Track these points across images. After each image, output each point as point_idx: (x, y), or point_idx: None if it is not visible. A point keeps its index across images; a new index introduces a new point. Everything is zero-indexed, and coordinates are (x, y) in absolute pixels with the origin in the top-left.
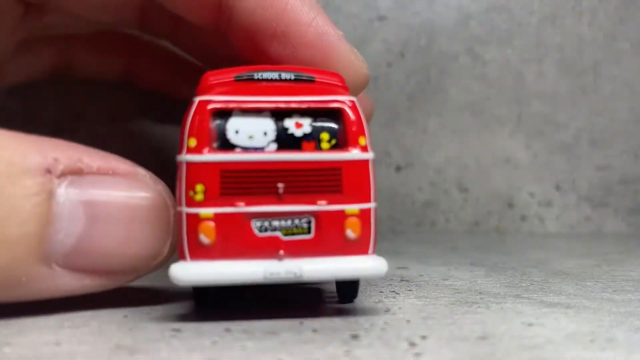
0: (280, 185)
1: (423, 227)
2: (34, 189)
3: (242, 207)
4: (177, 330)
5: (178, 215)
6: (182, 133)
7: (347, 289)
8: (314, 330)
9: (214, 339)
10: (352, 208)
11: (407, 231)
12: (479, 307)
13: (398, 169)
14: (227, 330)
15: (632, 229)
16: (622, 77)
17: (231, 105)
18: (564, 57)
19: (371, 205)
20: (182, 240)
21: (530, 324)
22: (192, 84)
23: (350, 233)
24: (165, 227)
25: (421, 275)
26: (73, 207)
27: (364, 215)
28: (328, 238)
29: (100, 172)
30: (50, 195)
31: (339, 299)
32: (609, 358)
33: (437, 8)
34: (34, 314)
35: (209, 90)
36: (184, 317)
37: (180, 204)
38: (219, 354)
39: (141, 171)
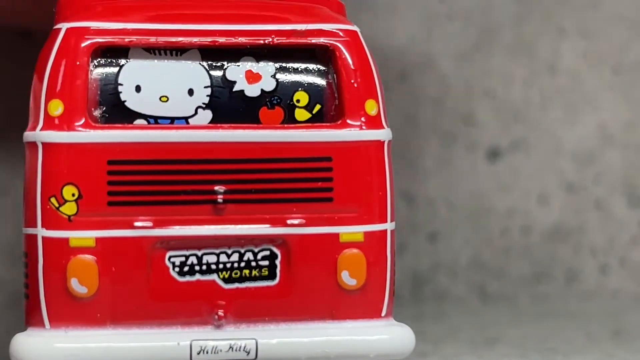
0: (219, 188)
1: None
2: None
3: (146, 229)
4: None
5: (27, 240)
6: (36, 91)
7: None
8: None
9: None
10: (352, 231)
11: None
12: None
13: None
14: None
15: None
16: None
17: (128, 39)
18: None
19: (387, 226)
20: (38, 290)
21: None
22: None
23: (348, 277)
24: None
25: None
26: None
27: (373, 243)
28: (306, 286)
29: None
30: None
31: None
32: None
33: None
34: None
35: (82, 11)
36: None
37: (31, 223)
38: None
39: None
